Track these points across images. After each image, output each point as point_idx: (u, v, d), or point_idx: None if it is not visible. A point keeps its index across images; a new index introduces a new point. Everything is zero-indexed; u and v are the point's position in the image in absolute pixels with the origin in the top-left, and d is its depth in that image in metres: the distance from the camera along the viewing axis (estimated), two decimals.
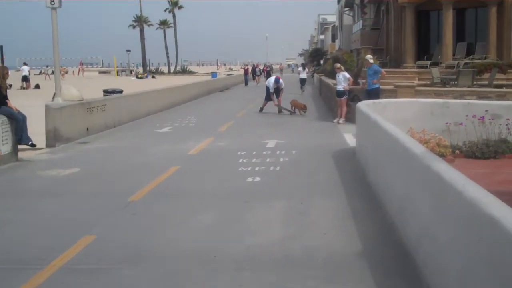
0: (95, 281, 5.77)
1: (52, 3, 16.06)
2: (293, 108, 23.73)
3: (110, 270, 6.06)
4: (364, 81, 20.63)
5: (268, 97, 24.81)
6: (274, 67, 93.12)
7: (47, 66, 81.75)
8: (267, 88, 24.86)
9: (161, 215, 8.24)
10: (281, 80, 24.78)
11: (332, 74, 30.28)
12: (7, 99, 12.93)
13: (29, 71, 50.59)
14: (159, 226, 7.71)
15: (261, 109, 25.07)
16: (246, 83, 56.01)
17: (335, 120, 20.26)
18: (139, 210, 8.52)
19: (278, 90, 24.45)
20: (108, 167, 12.26)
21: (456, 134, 12.38)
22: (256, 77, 57.30)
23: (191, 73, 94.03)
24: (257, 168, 11.55)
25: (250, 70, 61.25)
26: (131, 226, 7.75)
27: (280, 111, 24.23)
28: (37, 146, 13.89)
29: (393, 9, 34.06)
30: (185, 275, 5.89)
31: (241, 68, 69.77)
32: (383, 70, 20.26)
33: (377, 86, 19.00)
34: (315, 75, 54.36)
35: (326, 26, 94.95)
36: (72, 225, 7.75)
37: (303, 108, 23.53)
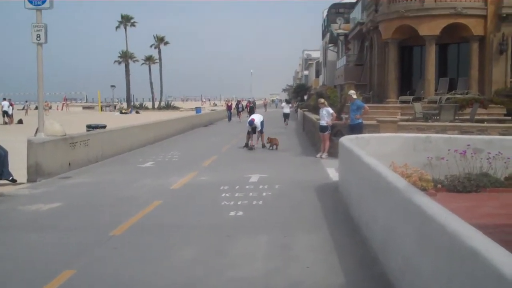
0: None
1: (38, 39, 16.07)
2: (270, 144, 23.85)
3: None
4: (347, 116, 20.77)
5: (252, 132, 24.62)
6: (257, 102, 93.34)
7: (26, 101, 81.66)
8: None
9: (142, 250, 8.16)
10: (255, 122, 24.33)
11: (316, 109, 30.47)
12: None
13: (10, 106, 50.34)
14: (140, 260, 7.62)
15: (246, 145, 24.66)
16: (229, 119, 55.62)
17: (318, 155, 20.31)
18: (120, 244, 8.42)
19: (254, 130, 24.32)
20: (90, 201, 12.14)
21: (438, 168, 12.44)
22: (239, 113, 56.90)
23: (175, 108, 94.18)
24: (239, 202, 11.51)
25: (233, 106, 61.09)
26: (111, 260, 7.65)
27: (263, 146, 24.26)
28: (18, 181, 13.78)
29: (377, 45, 34.50)
30: None
31: (225, 103, 69.37)
32: (366, 105, 20.40)
33: (360, 121, 19.12)
34: (299, 110, 54.69)
35: (310, 61, 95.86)
36: (52, 260, 7.64)
37: (276, 143, 23.74)
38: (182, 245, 8.33)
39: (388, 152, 12.84)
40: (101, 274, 7.02)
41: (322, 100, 21.55)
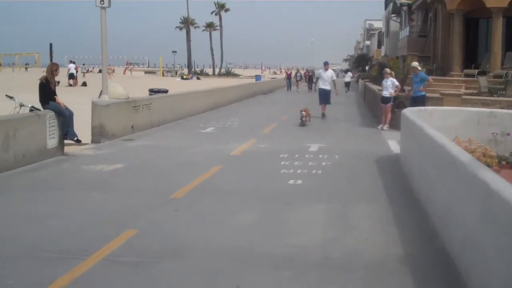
0: (135, 274, 5.83)
1: (102, 2, 16.34)
2: (305, 116, 21.00)
3: (150, 264, 6.11)
4: (410, 88, 20.44)
5: (324, 100, 23.99)
6: (316, 71, 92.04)
7: (83, 64, 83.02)
8: (321, 92, 23.96)
9: (203, 213, 8.30)
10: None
11: (377, 80, 30.09)
12: (56, 95, 13.18)
13: (76, 69, 51.49)
14: (201, 223, 7.76)
15: (323, 115, 23.86)
16: (289, 87, 54.89)
17: (379, 126, 20.10)
18: (181, 207, 8.59)
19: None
20: (152, 164, 12.39)
21: (503, 144, 12.14)
22: (297, 82, 55.02)
23: (235, 75, 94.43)
24: (299, 171, 11.53)
25: (293, 75, 59.75)
26: (172, 222, 7.82)
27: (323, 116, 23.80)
28: (82, 142, 14.13)
29: (441, 16, 33.62)
30: (224, 271, 5.91)
31: (285, 72, 68.21)
32: (430, 78, 20.02)
33: (423, 93, 18.81)
34: (360, 80, 54.00)
35: (372, 32, 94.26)
36: (115, 219, 7.85)
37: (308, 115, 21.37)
38: (241, 210, 8.43)
39: (451, 126, 12.60)
40: (162, 235, 7.18)
41: (388, 70, 21.22)
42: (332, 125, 21.41)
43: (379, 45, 77.51)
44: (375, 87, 27.87)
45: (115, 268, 5.97)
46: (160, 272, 5.90)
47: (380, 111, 21.09)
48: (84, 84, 48.60)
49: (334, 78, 24.58)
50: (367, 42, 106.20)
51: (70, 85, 47.21)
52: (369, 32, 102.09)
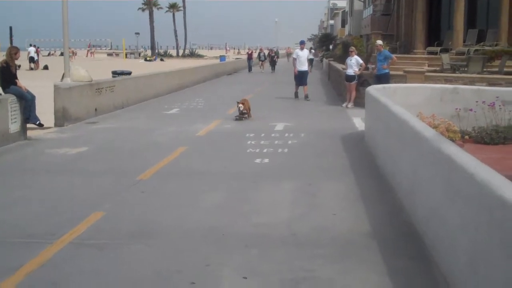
0: (104, 256, 5.80)
1: None
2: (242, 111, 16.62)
3: (118, 246, 6.08)
4: (373, 66, 20.57)
5: (302, 81, 23.25)
6: (280, 51, 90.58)
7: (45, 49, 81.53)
8: (299, 73, 23.09)
9: (169, 194, 8.27)
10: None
11: (341, 59, 30.17)
12: (17, 78, 12.94)
13: (36, 52, 50.62)
14: (167, 204, 7.73)
15: (296, 94, 23.48)
16: (250, 69, 51.59)
17: (344, 105, 20.23)
18: (148, 188, 8.54)
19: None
20: (117, 146, 12.28)
21: (466, 120, 12.33)
22: (261, 62, 53.50)
23: (199, 56, 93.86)
24: (265, 150, 11.55)
25: (255, 55, 57.18)
26: (139, 204, 7.77)
27: (306, 97, 22.94)
28: (45, 126, 13.93)
29: None
30: (194, 252, 5.91)
31: (246, 52, 64.33)
32: (394, 56, 20.16)
33: (386, 71, 18.93)
34: (324, 59, 54.10)
35: (336, 11, 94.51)
36: (81, 202, 7.78)
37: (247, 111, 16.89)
38: (208, 191, 8.42)
39: (415, 102, 12.73)
40: (130, 217, 7.14)
41: (352, 48, 21.28)
42: (297, 104, 21.46)
43: (343, 24, 77.72)
44: (339, 66, 27.96)
45: (83, 251, 5.92)
46: (128, 253, 5.88)
47: (344, 89, 21.20)
48: (46, 67, 47.81)
49: (311, 57, 24.41)
50: (331, 22, 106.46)
51: (31, 68, 46.47)
52: (333, 12, 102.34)
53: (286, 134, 13.56)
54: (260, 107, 20.47)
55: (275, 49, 64.49)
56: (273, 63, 50.51)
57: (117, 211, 7.39)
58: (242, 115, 16.39)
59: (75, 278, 5.24)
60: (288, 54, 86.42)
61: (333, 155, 11.16)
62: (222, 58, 67.08)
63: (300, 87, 23.34)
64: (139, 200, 7.97)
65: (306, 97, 22.89)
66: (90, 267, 5.52)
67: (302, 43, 24.07)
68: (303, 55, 23.19)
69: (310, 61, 25.37)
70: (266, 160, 10.58)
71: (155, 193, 8.32)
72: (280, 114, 17.88)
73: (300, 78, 23.20)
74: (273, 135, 13.51)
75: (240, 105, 16.40)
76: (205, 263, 5.58)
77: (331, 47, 63.16)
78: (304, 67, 23.23)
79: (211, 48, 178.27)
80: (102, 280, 5.22)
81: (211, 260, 5.67)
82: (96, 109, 17.14)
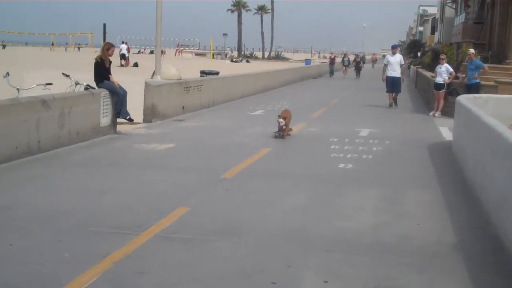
0: (188, 250, 5.90)
1: None
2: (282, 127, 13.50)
3: (203, 241, 6.18)
4: (464, 75, 20.06)
5: (393, 88, 22.02)
6: (366, 57, 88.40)
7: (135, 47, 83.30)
8: (389, 80, 21.86)
9: (253, 193, 8.34)
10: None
11: (430, 67, 29.59)
12: (110, 74, 13.37)
13: (127, 50, 52.07)
14: (251, 203, 7.80)
15: (390, 104, 22.15)
16: (332, 73, 49.73)
17: (431, 113, 19.81)
18: (232, 187, 8.65)
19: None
20: (202, 144, 12.49)
21: None
22: (344, 68, 50.95)
23: (284, 59, 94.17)
24: (349, 155, 11.46)
25: (338, 60, 55.22)
26: (223, 201, 7.88)
27: (391, 105, 22.08)
28: (134, 121, 14.33)
29: (499, 3, 32.77)
30: (276, 252, 5.93)
31: (328, 57, 61.39)
32: (485, 65, 19.61)
33: (477, 81, 18.45)
34: (412, 66, 53.11)
35: (426, 18, 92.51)
36: (167, 197, 7.96)
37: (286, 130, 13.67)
38: (292, 192, 8.44)
39: (508, 114, 12.32)
40: (214, 213, 7.25)
41: (443, 56, 20.79)
42: (383, 111, 21.16)
43: (433, 31, 76.03)
44: (427, 74, 27.42)
45: (168, 244, 6.06)
46: (212, 249, 5.96)
47: (432, 98, 20.75)
48: (136, 64, 49.14)
49: (403, 63, 22.71)
50: (420, 28, 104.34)
51: (122, 65, 47.79)
52: (422, 18, 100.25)
53: (371, 140, 13.41)
54: (345, 112, 20.41)
55: (361, 54, 62.80)
56: (358, 69, 49.34)
57: (201, 207, 7.52)
58: (281, 133, 13.42)
59: (161, 270, 5.36)
60: (374, 61, 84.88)
61: (418, 164, 10.96)
62: (307, 61, 67.10)
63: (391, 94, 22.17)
64: (223, 197, 8.08)
65: (394, 102, 21.99)
66: (175, 260, 5.63)
67: (394, 48, 22.79)
68: (395, 61, 21.88)
69: (403, 67, 22.66)
70: (350, 166, 10.50)
71: (239, 191, 8.41)
72: (365, 120, 17.69)
73: (392, 84, 21.89)
74: (357, 140, 13.39)
75: (281, 119, 13.29)
76: (286, 264, 5.59)
77: (419, 54, 61.94)
78: (395, 73, 21.78)
79: (296, 51, 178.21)
80: (187, 273, 5.31)
81: (292, 261, 5.68)
82: (183, 107, 17.50)
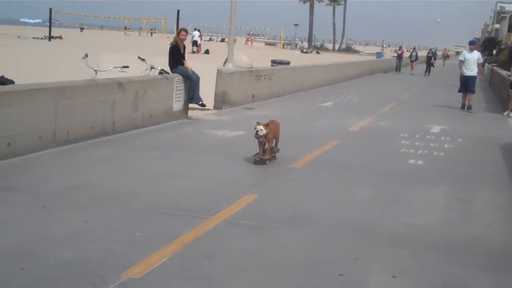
0: (256, 237, 5.97)
1: None
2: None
3: (270, 229, 6.24)
4: None
5: (467, 88, 20.12)
6: (437, 53, 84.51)
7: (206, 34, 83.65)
8: (464, 78, 20.09)
9: (320, 185, 8.35)
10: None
11: (506, 65, 28.79)
12: (184, 59, 13.58)
13: (199, 37, 52.64)
14: (318, 194, 7.82)
15: (463, 105, 20.34)
16: (398, 69, 47.04)
17: (505, 113, 19.26)
18: (299, 177, 8.69)
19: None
20: None
21: None
22: (411, 63, 47.69)
23: (355, 51, 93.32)
24: (420, 152, 11.30)
25: (405, 55, 51.71)
26: (291, 191, 7.92)
27: (467, 108, 20.06)
28: (206, 107, 14.51)
29: None
30: (343, 244, 5.94)
31: (395, 51, 57.54)
32: None
33: None
34: (486, 64, 51.64)
35: (503, 15, 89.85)
36: (236, 183, 8.06)
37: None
38: (359, 186, 8.41)
39: None
40: (281, 202, 7.30)
41: None
42: (455, 109, 20.68)
43: (510, 29, 73.85)
44: (503, 72, 26.67)
45: (236, 230, 6.15)
46: (279, 237, 6.02)
47: (507, 97, 20.16)
48: (207, 51, 49.65)
49: (481, 61, 20.89)
50: (497, 26, 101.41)
51: (193, 52, 48.35)
52: (499, 15, 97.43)
53: (442, 138, 13.18)
54: (416, 107, 20.12)
55: (433, 50, 60.23)
56: (429, 65, 46.70)
57: (269, 195, 7.58)
58: (262, 146, 9.36)
59: (228, 255, 5.45)
60: (445, 57, 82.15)
61: (491, 164, 10.71)
62: (378, 55, 66.27)
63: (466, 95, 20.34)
64: (290, 187, 8.12)
65: (469, 108, 19.94)
66: (242, 246, 5.71)
67: (472, 43, 20.84)
68: (472, 58, 20.10)
69: (480, 65, 20.22)
70: (420, 162, 10.36)
71: (307, 182, 8.44)
72: (436, 117, 17.39)
73: (465, 84, 20.13)
74: (428, 137, 13.19)
75: (260, 126, 9.14)
76: (353, 257, 5.59)
77: (494, 52, 60.24)
78: (471, 72, 20.04)
79: (367, 44, 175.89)
80: (254, 260, 5.38)
81: (359, 254, 5.67)
82: (253, 96, 17.62)
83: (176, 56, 13.36)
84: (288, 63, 27.17)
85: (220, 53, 40.59)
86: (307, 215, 6.84)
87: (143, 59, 13.42)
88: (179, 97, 13.21)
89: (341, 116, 16.08)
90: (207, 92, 15.80)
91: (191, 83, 13.44)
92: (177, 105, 13.16)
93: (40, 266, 4.84)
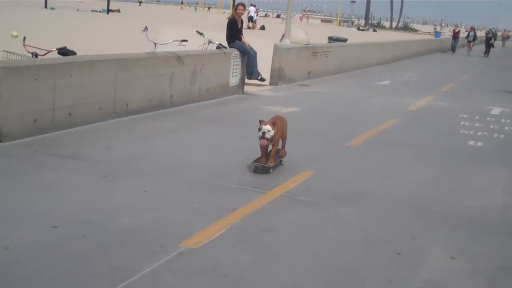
0: (312, 213, 5.96)
1: None
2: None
3: (326, 205, 6.22)
4: None
5: None
6: (497, 33, 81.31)
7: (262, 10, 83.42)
8: None
9: (378, 163, 8.26)
10: None
11: None
12: (242, 34, 13.56)
13: (255, 12, 52.55)
14: (375, 173, 7.74)
15: None
16: (453, 50, 44.86)
17: None
18: (356, 155, 8.63)
19: None
20: (327, 111, 12.49)
21: None
22: (469, 44, 45.05)
23: (412, 30, 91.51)
24: (479, 133, 11.06)
25: (462, 35, 49.31)
26: (347, 168, 7.87)
27: None
28: (265, 81, 14.50)
29: None
30: (400, 223, 5.88)
31: (452, 30, 55.24)
32: None
33: None
34: None
35: None
36: (292, 159, 8.01)
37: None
38: (418, 166, 8.29)
39: None
40: (338, 179, 7.26)
41: None
42: None
43: None
44: None
45: (292, 205, 6.15)
46: (335, 214, 6.00)
47: None
48: (262, 27, 49.54)
49: None
50: None
51: (249, 27, 48.31)
52: None
53: (503, 120, 12.85)
54: (476, 88, 19.71)
55: (493, 30, 57.56)
56: (488, 46, 44.25)
57: (326, 172, 7.55)
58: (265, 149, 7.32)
59: (286, 229, 5.46)
60: (504, 38, 79.29)
61: None
62: (437, 34, 65.05)
63: None
64: (347, 165, 8.07)
65: None
66: (299, 220, 5.72)
67: None
68: None
69: None
70: (480, 144, 10.14)
71: (364, 160, 8.37)
72: (497, 98, 16.94)
73: None
74: (488, 118, 12.88)
75: (267, 126, 7.15)
76: (411, 236, 5.53)
77: None
78: None
79: (425, 23, 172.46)
80: (310, 235, 5.38)
81: (417, 234, 5.60)
82: (309, 72, 17.51)
83: (234, 30, 13.36)
84: (345, 40, 26.88)
85: (275, 29, 40.47)
86: (364, 192, 6.78)
87: (201, 33, 13.45)
88: (236, 72, 13.23)
89: (399, 95, 15.85)
90: (262, 68, 15.75)
91: (249, 58, 13.44)
92: (234, 80, 13.19)
93: (101, 233, 4.95)
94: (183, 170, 7.04)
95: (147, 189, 6.19)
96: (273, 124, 7.18)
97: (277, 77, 15.82)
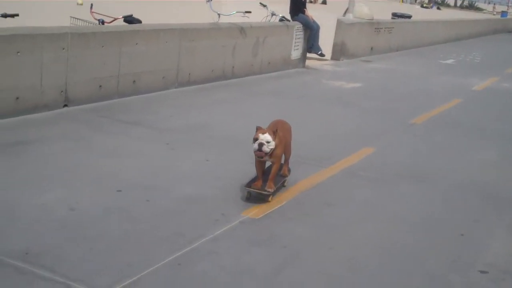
0: (373, 189, 5.90)
1: None
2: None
3: (388, 182, 6.16)
4: None
5: None
6: None
7: None
8: None
9: (440, 143, 8.11)
10: None
11: None
12: (305, 7, 13.44)
13: None
14: (438, 152, 7.61)
15: None
16: None
17: None
18: (419, 133, 8.49)
19: None
20: (389, 87, 12.31)
21: None
22: None
23: (478, 9, 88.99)
24: None
25: None
26: (410, 146, 7.76)
27: None
28: (325, 56, 14.38)
29: None
30: (464, 204, 5.78)
31: None
32: None
33: None
34: None
35: None
36: (353, 135, 7.99)
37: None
38: (482, 147, 8.10)
39: None
40: (400, 157, 7.16)
41: None
42: None
43: None
44: None
45: (354, 180, 6.11)
46: (397, 192, 5.92)
47: None
48: (324, 2, 49.03)
49: None
50: None
51: (311, 1, 47.86)
52: None
53: None
54: None
55: None
56: None
57: (388, 149, 7.46)
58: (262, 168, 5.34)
59: (346, 204, 5.43)
60: None
61: None
62: (503, 14, 63.08)
63: None
64: (410, 142, 7.96)
65: None
66: (360, 196, 5.67)
67: None
68: None
69: None
70: None
71: (426, 139, 8.24)
72: None
73: None
74: None
75: (265, 134, 5.10)
76: (474, 218, 5.42)
77: None
78: None
79: (491, 2, 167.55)
80: (372, 211, 5.33)
81: (480, 216, 5.49)
82: (372, 48, 17.27)
83: (298, 3, 13.26)
84: (409, 16, 26.36)
85: (337, 4, 39.95)
86: (427, 172, 6.68)
87: (264, 5, 13.39)
88: (298, 45, 13.14)
89: (463, 74, 15.49)
90: (324, 42, 15.61)
91: (311, 32, 13.32)
92: (296, 53, 13.11)
93: (164, 199, 5.01)
94: (243, 141, 7.02)
95: (208, 158, 6.24)
96: (273, 133, 5.14)
97: (339, 52, 15.65)
